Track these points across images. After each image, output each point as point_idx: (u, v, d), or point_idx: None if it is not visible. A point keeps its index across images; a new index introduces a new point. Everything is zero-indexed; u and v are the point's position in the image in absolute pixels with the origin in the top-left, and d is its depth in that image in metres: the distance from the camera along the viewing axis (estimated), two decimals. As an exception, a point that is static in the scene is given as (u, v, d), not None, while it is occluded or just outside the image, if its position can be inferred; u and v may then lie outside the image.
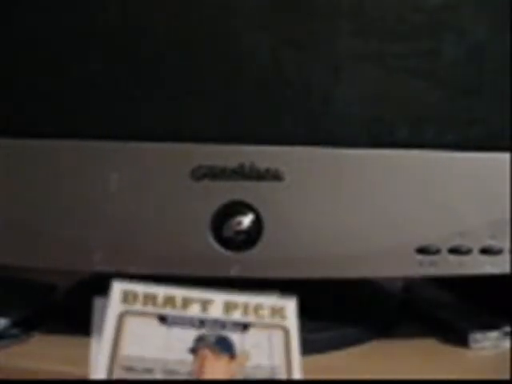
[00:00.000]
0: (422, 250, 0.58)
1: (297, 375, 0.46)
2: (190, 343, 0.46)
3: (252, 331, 0.46)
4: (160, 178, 0.57)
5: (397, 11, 0.57)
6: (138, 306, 0.46)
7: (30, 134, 0.57)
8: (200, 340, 0.46)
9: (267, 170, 0.57)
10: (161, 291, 0.47)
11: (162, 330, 0.46)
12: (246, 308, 0.47)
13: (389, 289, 0.71)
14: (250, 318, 0.47)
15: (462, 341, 0.61)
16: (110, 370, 0.45)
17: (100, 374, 0.44)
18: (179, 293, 0.47)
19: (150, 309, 0.46)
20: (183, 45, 0.57)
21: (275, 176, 0.57)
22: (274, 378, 0.46)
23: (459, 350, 0.60)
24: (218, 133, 0.57)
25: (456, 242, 0.58)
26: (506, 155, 0.58)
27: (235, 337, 0.46)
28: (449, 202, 0.58)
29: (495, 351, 0.60)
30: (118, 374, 0.44)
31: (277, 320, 0.47)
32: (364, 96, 0.58)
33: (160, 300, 0.46)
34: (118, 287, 0.46)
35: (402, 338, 0.62)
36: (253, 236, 0.57)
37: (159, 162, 0.57)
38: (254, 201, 0.57)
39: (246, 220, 0.57)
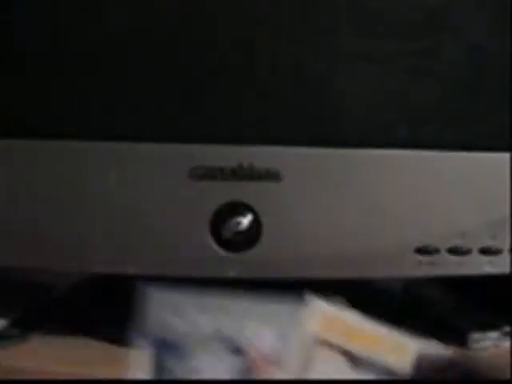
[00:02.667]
0: (422, 250, 0.58)
1: None
2: None
3: None
4: (159, 178, 0.57)
5: (397, 11, 0.57)
6: None
7: (30, 134, 0.57)
8: None
9: (266, 171, 0.56)
10: None
11: None
12: None
13: (389, 289, 0.70)
14: None
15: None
16: None
17: None
18: None
19: None
20: (182, 45, 0.57)
21: (274, 176, 0.57)
22: None
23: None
24: (216, 133, 0.57)
25: (455, 242, 0.58)
26: (505, 155, 0.58)
27: None
28: (448, 202, 0.58)
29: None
30: None
31: None
32: (363, 96, 0.58)
33: None
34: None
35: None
36: (252, 236, 0.57)
37: (158, 163, 0.57)
38: (252, 201, 0.57)
39: (245, 221, 0.57)
